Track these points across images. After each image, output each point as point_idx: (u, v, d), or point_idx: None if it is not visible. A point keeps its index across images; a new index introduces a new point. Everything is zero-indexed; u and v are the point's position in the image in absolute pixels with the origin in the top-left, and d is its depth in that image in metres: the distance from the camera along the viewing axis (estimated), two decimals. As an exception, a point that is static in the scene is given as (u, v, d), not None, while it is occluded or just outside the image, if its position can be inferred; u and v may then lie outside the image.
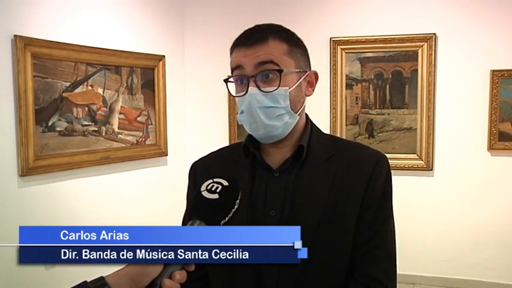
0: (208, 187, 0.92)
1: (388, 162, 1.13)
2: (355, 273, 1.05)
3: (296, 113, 1.09)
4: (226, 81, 1.11)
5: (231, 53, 1.09)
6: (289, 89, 1.06)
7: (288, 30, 1.12)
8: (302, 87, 1.10)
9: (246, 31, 1.09)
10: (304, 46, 1.14)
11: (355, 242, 1.06)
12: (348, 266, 1.06)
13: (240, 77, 1.06)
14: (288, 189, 1.08)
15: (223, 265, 1.08)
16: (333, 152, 1.11)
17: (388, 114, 3.91)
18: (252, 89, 1.04)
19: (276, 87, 1.03)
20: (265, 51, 1.04)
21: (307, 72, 1.12)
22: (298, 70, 1.08)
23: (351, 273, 1.06)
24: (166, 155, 4.06)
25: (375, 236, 1.06)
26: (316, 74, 1.14)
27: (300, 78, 1.09)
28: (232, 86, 1.10)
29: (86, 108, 3.36)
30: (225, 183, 0.93)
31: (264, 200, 1.09)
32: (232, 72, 1.08)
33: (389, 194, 1.11)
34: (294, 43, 1.10)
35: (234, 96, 1.10)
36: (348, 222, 1.05)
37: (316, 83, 1.15)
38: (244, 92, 1.05)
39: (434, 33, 3.72)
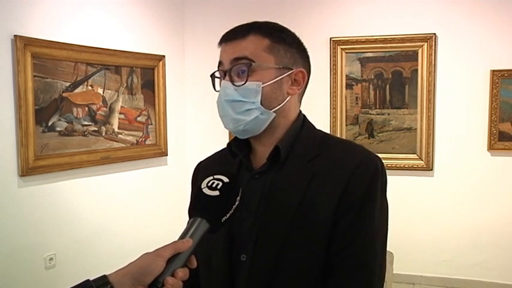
0: (209, 184, 0.92)
1: (378, 165, 1.03)
2: (328, 281, 1.00)
3: (271, 110, 1.05)
4: (212, 76, 1.11)
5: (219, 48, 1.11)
6: (263, 84, 1.03)
7: (277, 26, 1.09)
8: (283, 85, 1.06)
9: (232, 28, 1.10)
10: (295, 43, 1.09)
11: (330, 248, 0.99)
12: (322, 273, 1.00)
13: (221, 72, 1.08)
14: (264, 191, 1.04)
15: (205, 265, 1.07)
16: (317, 152, 1.05)
17: (388, 114, 3.91)
18: (225, 82, 1.05)
19: (244, 81, 1.02)
20: (241, 47, 1.04)
21: (291, 69, 1.06)
22: (277, 67, 1.04)
23: (325, 281, 1.00)
24: (166, 155, 4.06)
25: (350, 246, 0.98)
26: (303, 73, 1.09)
27: (280, 75, 1.05)
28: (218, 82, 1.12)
29: (86, 108, 3.36)
30: (226, 179, 0.92)
31: (242, 201, 1.04)
32: (218, 67, 1.10)
33: (373, 201, 1.01)
34: (279, 39, 1.06)
35: (216, 91, 1.10)
36: (321, 228, 0.99)
37: (304, 82, 1.09)
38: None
39: (434, 33, 3.72)
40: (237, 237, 1.05)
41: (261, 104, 1.03)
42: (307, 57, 1.12)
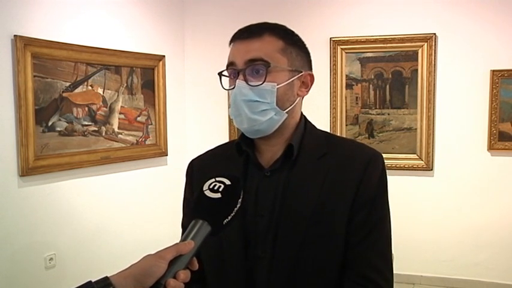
0: (211, 186, 0.92)
1: (383, 161, 1.10)
2: (349, 273, 1.05)
3: (284, 110, 1.07)
4: (220, 74, 1.11)
5: (230, 46, 1.10)
6: (278, 85, 1.05)
7: (288, 29, 1.12)
8: (294, 87, 1.09)
9: (245, 26, 1.10)
10: (304, 47, 1.13)
11: (348, 242, 1.05)
12: (341, 265, 1.05)
13: (233, 71, 1.07)
14: (278, 189, 1.07)
15: (217, 263, 1.09)
16: (325, 150, 1.10)
17: (388, 114, 3.91)
18: (240, 82, 1.05)
19: (262, 82, 1.04)
20: (257, 47, 1.04)
21: (301, 72, 1.10)
22: (290, 68, 1.07)
23: (346, 273, 1.05)
24: (166, 155, 4.06)
25: (368, 237, 1.05)
26: (311, 76, 1.13)
27: (292, 77, 1.07)
28: (226, 81, 1.11)
29: (86, 108, 3.36)
30: (227, 182, 0.92)
31: (255, 199, 1.08)
32: (227, 67, 1.09)
33: (383, 194, 1.09)
34: (291, 42, 1.09)
35: (225, 90, 1.11)
36: (339, 222, 1.04)
37: (311, 84, 1.13)
38: (233, 86, 1.06)
39: (434, 33, 3.72)
40: (251, 235, 1.07)
41: (276, 104, 1.06)
42: (311, 61, 1.15)
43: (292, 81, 1.08)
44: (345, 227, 1.04)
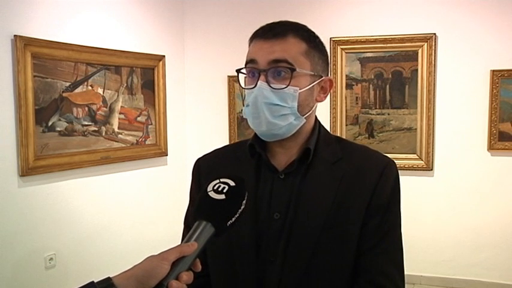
0: (215, 187, 0.91)
1: (397, 169, 1.09)
2: (360, 279, 1.03)
3: (303, 115, 1.06)
4: (238, 71, 1.08)
5: (249, 43, 1.07)
6: (300, 90, 1.03)
7: (311, 31, 1.09)
8: (314, 92, 1.07)
9: (268, 24, 1.07)
10: (325, 50, 1.11)
11: (360, 248, 1.03)
12: (352, 270, 1.04)
13: (252, 70, 1.04)
14: (293, 192, 1.05)
15: (227, 264, 1.08)
16: (340, 156, 1.09)
17: (388, 114, 3.91)
18: (262, 83, 1.01)
19: (286, 85, 1.01)
20: (281, 48, 1.01)
21: (322, 77, 1.08)
22: (312, 73, 1.05)
23: (356, 278, 1.04)
24: (166, 155, 4.06)
25: (380, 243, 1.04)
26: (331, 81, 1.11)
27: (313, 82, 1.05)
28: (243, 78, 1.09)
29: (86, 108, 3.36)
30: (232, 183, 0.91)
31: (268, 202, 1.07)
32: (246, 64, 1.06)
33: (396, 201, 1.08)
34: (314, 45, 1.07)
35: (243, 88, 1.08)
36: (352, 228, 1.03)
37: (330, 90, 1.11)
38: (253, 86, 1.02)
39: (434, 33, 3.72)
40: (263, 238, 1.05)
41: (296, 109, 1.04)
42: (329, 64, 1.13)
43: (313, 86, 1.06)
44: (357, 233, 1.03)
